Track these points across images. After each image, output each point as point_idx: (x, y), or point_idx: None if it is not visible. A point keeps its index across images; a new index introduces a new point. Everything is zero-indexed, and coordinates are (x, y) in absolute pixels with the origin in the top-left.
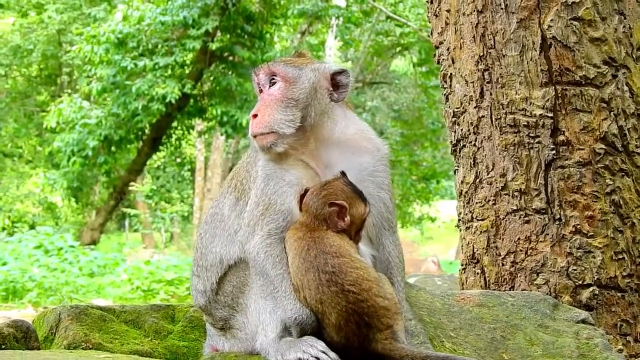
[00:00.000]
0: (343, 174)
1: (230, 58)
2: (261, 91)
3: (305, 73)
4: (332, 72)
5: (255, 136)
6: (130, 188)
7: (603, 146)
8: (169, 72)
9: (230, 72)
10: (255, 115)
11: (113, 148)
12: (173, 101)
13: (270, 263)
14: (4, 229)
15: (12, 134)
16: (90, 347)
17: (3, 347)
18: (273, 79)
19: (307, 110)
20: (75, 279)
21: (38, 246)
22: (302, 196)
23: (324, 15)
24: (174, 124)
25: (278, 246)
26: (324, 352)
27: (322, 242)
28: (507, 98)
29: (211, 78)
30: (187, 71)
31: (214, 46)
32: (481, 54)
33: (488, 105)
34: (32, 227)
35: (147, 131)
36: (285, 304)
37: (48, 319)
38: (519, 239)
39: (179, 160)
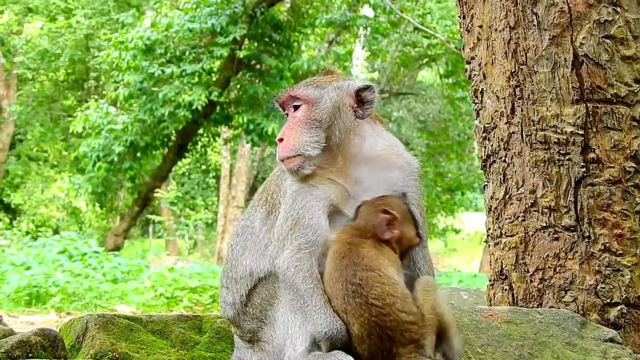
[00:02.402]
0: (404, 195)
1: (258, 66)
2: (287, 115)
3: (327, 92)
4: (357, 88)
5: (282, 160)
6: (154, 194)
7: (633, 164)
8: (196, 79)
9: (257, 80)
10: (281, 140)
11: (138, 154)
12: (199, 108)
13: (300, 277)
14: (28, 233)
15: (38, 138)
16: (117, 356)
17: (30, 355)
18: (296, 102)
19: (332, 129)
20: (99, 285)
21: (62, 251)
22: (359, 207)
23: (351, 25)
24: (200, 131)
25: (308, 260)
26: None
27: (356, 252)
28: (538, 114)
29: (238, 86)
30: (214, 78)
31: (241, 54)
32: (513, 70)
33: (519, 122)
34: (56, 231)
35: (172, 138)
36: (316, 318)
37: (75, 327)
38: (547, 255)
39: (204, 167)
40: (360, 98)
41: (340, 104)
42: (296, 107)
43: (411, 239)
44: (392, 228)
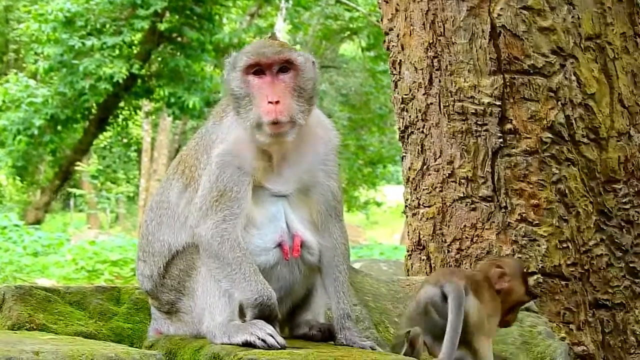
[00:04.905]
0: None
1: (179, 39)
2: (260, 73)
3: (307, 61)
4: (312, 61)
5: (275, 123)
6: (76, 168)
7: (550, 135)
8: (117, 52)
9: (178, 53)
10: (277, 102)
11: (59, 127)
12: (120, 81)
13: (228, 246)
14: None
15: None
16: (35, 328)
17: None
18: (285, 65)
19: (310, 101)
20: (19, 259)
21: None
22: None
23: None
24: (121, 104)
25: (234, 231)
26: (271, 335)
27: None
28: (455, 86)
29: (159, 59)
30: (135, 51)
31: (162, 27)
32: (431, 41)
33: (437, 93)
34: None
35: (93, 111)
36: (245, 286)
37: None
38: (464, 226)
39: (125, 140)
40: None
41: (314, 74)
42: (282, 72)
43: (520, 295)
44: (502, 281)
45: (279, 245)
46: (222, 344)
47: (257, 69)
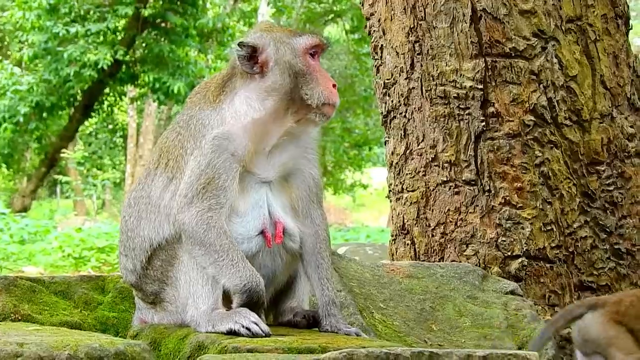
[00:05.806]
0: None
1: (163, 24)
2: (314, 56)
3: None
4: None
5: (334, 105)
6: (61, 155)
7: (532, 118)
8: (101, 38)
9: (162, 39)
10: (336, 86)
11: (44, 114)
12: (105, 67)
13: (214, 234)
14: None
15: None
16: (20, 318)
17: None
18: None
19: None
20: (6, 247)
21: None
22: None
23: None
24: (106, 90)
25: (220, 219)
26: (255, 323)
27: None
28: (437, 70)
29: (143, 44)
30: (119, 37)
31: (146, 12)
32: (412, 25)
33: (418, 77)
34: None
35: (78, 97)
36: (233, 272)
37: None
38: (448, 210)
39: (110, 126)
40: None
41: None
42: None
43: None
44: None
45: (262, 232)
46: (207, 332)
47: (314, 51)
